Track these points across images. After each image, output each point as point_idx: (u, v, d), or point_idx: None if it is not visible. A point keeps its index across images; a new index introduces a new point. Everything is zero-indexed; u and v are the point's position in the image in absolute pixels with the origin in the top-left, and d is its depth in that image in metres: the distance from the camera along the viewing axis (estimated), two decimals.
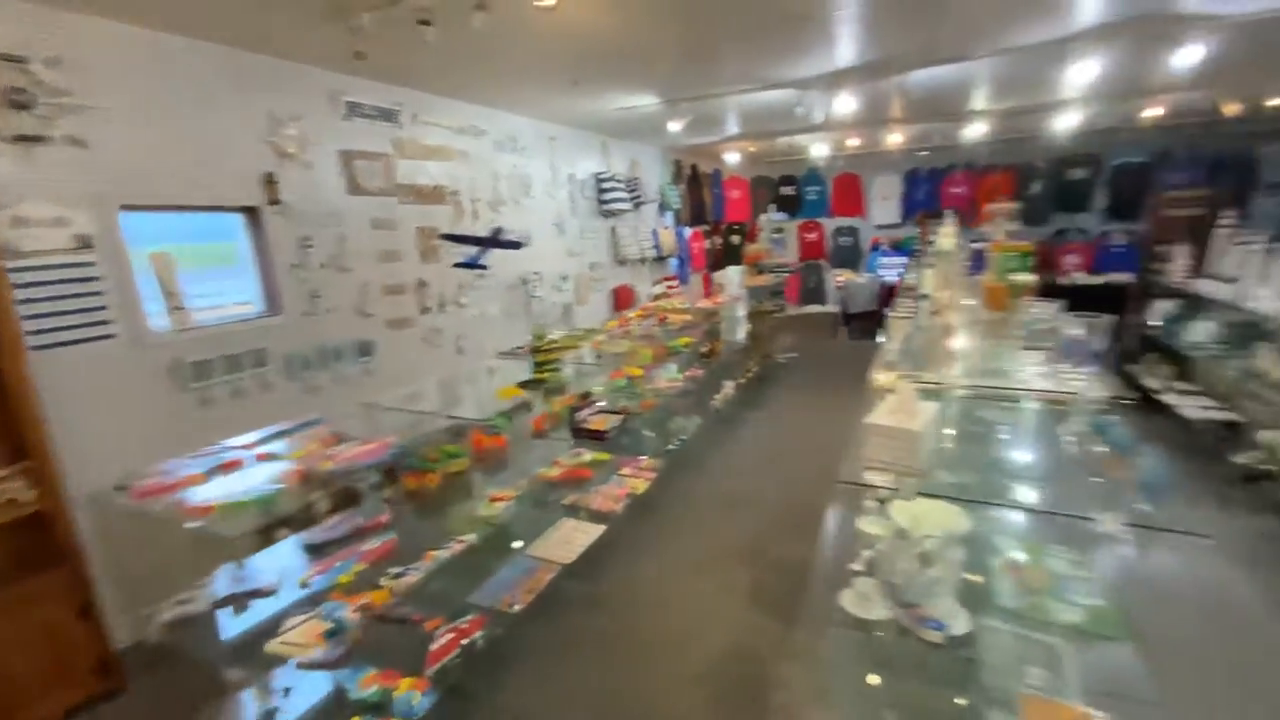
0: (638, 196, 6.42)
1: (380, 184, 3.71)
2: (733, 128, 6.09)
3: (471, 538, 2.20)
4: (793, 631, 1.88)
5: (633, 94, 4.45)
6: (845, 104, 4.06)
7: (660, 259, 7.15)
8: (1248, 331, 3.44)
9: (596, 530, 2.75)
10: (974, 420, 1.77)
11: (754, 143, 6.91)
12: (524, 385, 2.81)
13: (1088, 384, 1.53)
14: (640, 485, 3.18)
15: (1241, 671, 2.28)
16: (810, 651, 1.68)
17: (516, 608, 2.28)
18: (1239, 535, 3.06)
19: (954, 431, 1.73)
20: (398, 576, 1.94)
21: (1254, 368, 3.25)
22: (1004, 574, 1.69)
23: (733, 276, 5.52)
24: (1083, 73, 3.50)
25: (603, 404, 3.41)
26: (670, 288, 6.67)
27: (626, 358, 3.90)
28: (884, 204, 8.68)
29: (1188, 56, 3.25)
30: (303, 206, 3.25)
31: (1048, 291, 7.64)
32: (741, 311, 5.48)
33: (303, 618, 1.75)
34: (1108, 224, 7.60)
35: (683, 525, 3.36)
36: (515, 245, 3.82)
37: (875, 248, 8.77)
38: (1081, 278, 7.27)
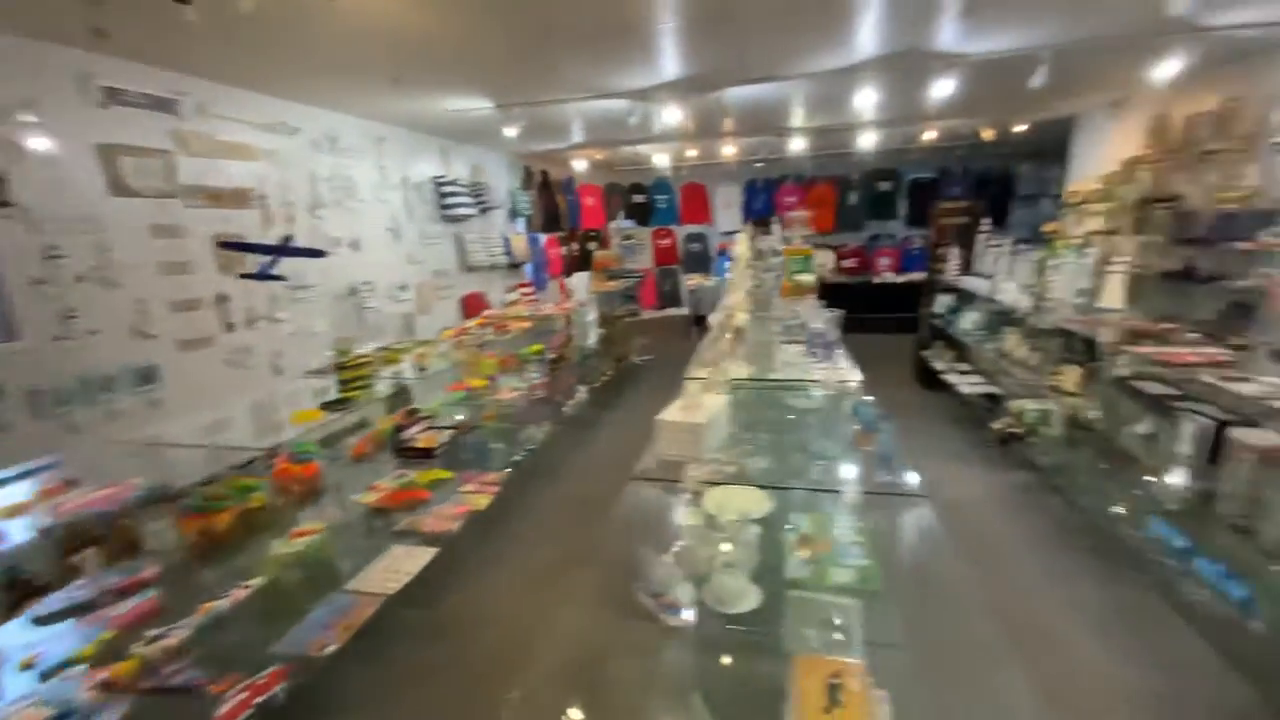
0: (483, 202, 6.23)
1: (158, 184, 3.22)
2: (576, 135, 6.13)
3: (259, 581, 1.97)
4: (623, 630, 1.93)
5: (463, 96, 4.30)
6: (673, 115, 4.26)
7: (514, 265, 7.01)
8: (1000, 318, 4.15)
9: (428, 554, 2.60)
10: (765, 409, 1.93)
11: (600, 150, 7.03)
12: (328, 407, 2.58)
13: (832, 370, 1.73)
14: (482, 500, 3.07)
15: (993, 603, 2.70)
16: (626, 647, 1.72)
17: (330, 649, 2.08)
18: (998, 488, 3.67)
19: (745, 420, 1.88)
20: (155, 640, 1.67)
21: (1004, 348, 3.92)
22: (795, 547, 1.86)
23: (579, 282, 5.55)
24: (866, 98, 3.99)
25: (455, 418, 3.24)
26: (526, 294, 6.57)
27: (467, 369, 3.75)
28: (727, 211, 9.28)
29: (943, 88, 3.84)
30: (46, 209, 2.72)
31: (866, 290, 8.59)
32: (591, 316, 5.54)
33: (16, 706, 1.43)
34: (909, 230, 8.80)
35: (530, 536, 3.30)
36: (315, 253, 3.50)
37: (722, 253, 9.34)
38: (891, 276, 8.34)
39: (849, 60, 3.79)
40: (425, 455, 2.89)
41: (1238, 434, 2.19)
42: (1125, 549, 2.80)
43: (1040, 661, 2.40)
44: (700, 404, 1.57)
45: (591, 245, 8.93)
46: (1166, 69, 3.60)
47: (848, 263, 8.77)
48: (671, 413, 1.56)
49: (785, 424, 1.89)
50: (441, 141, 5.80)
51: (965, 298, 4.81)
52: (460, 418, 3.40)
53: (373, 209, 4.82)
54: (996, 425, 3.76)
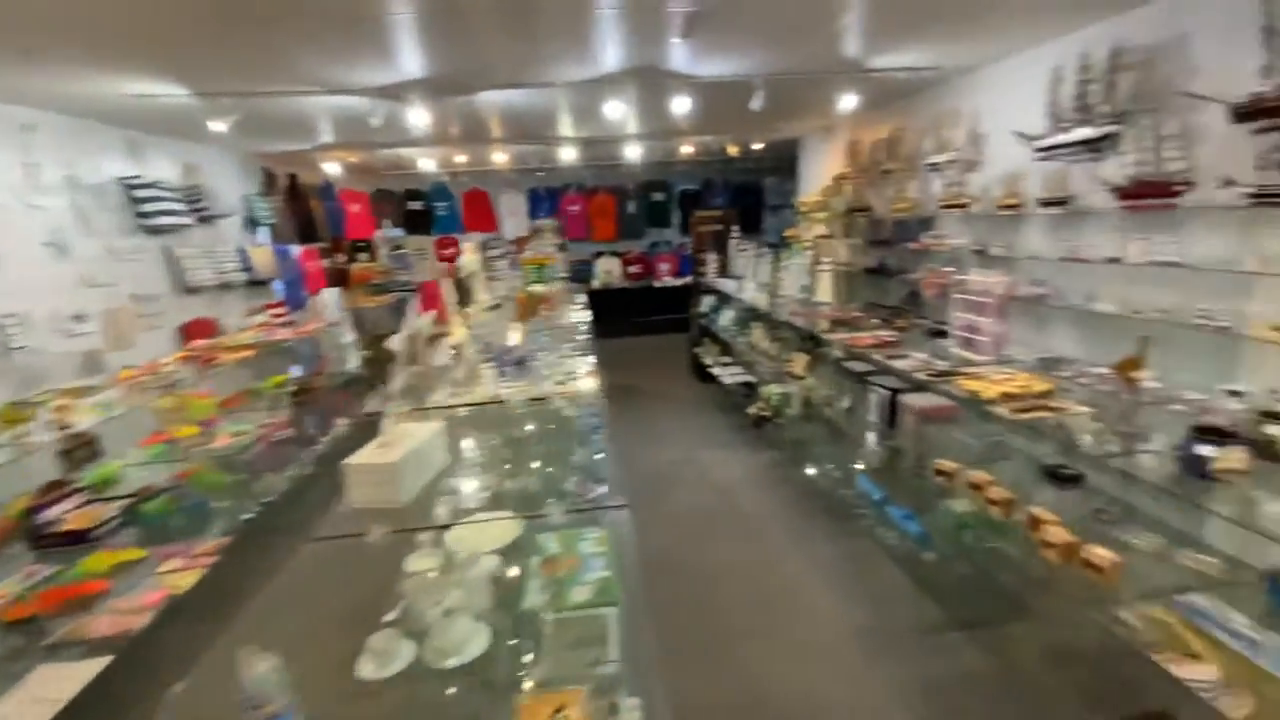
0: (203, 209, 5.19)
1: None
2: (324, 135, 5.45)
3: None
4: (356, 703, 1.66)
5: (144, 80, 3.48)
6: (421, 117, 3.95)
7: (258, 283, 5.97)
8: (749, 314, 4.63)
9: (93, 667, 1.99)
10: (501, 429, 1.82)
11: (355, 153, 6.35)
12: None
13: (524, 388, 1.68)
14: (187, 579, 2.47)
15: (748, 575, 2.96)
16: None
17: None
18: (756, 467, 4.08)
19: (476, 446, 1.74)
20: None
21: (753, 341, 4.38)
22: (539, 571, 1.78)
23: (329, 299, 4.90)
24: (618, 110, 4.15)
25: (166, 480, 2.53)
26: (275, 316, 5.63)
27: (171, 415, 3.03)
28: (513, 219, 9.10)
29: (682, 105, 4.15)
30: None
31: (649, 293, 9.04)
32: (348, 337, 4.93)
33: None
34: (684, 237, 9.54)
35: (260, 610, 2.75)
36: None
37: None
38: (671, 280, 8.94)
39: (596, 72, 3.89)
40: (78, 540, 2.21)
41: (905, 399, 2.67)
42: (846, 506, 3.28)
43: (787, 618, 2.68)
44: (399, 440, 1.38)
45: (362, 256, 8.07)
46: (848, 101, 4.35)
47: (633, 269, 9.19)
48: (362, 454, 1.35)
49: (516, 444, 1.79)
50: (130, 134, 4.67)
51: (724, 298, 5.30)
52: (169, 479, 2.71)
53: (15, 217, 3.67)
54: (751, 410, 4.18)
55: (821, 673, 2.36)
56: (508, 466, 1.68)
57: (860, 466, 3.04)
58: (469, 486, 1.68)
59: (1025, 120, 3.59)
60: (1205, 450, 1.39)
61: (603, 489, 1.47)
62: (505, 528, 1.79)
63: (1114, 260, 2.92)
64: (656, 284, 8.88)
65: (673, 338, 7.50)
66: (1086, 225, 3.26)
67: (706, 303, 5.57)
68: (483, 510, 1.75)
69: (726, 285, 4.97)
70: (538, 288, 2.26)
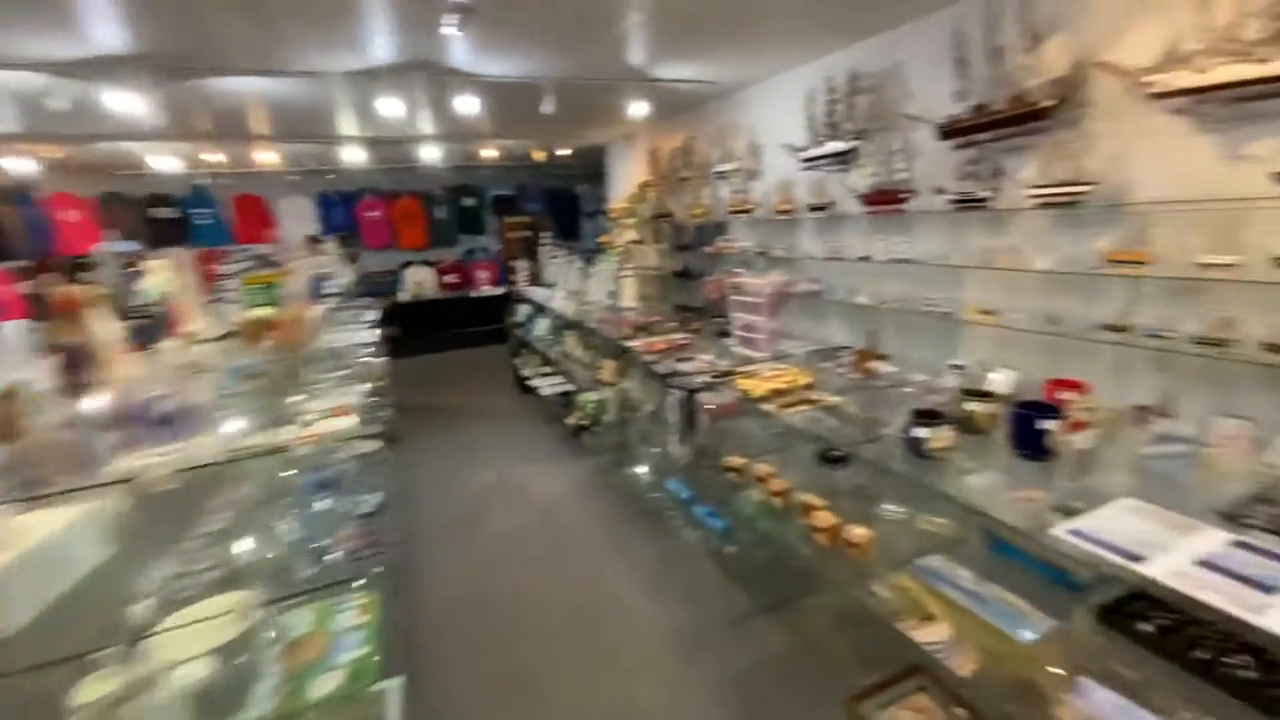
0: None
1: None
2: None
3: None
4: None
5: None
6: (130, 103, 3.17)
7: None
8: (562, 323, 4.52)
9: None
10: (204, 497, 1.45)
11: (54, 146, 5.02)
12: None
13: (170, 455, 1.34)
14: None
15: (569, 594, 2.82)
16: None
17: None
18: (578, 478, 3.98)
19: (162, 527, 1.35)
20: None
21: (566, 349, 4.28)
22: (279, 662, 1.45)
23: (11, 333, 3.76)
24: (393, 107, 3.75)
25: None
26: None
27: None
28: (298, 228, 7.95)
29: (468, 105, 3.88)
30: None
31: (467, 304, 8.54)
32: (45, 384, 3.82)
33: None
34: (500, 244, 9.18)
35: None
36: None
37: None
38: (490, 289, 8.54)
39: (365, 63, 3.47)
40: None
41: (700, 398, 2.74)
42: (661, 508, 3.31)
43: (605, 632, 2.59)
44: (16, 534, 0.99)
45: (89, 276, 6.45)
46: (639, 109, 4.43)
47: (449, 278, 8.61)
48: None
49: (238, 511, 1.43)
50: None
51: (539, 306, 5.14)
52: None
53: None
54: (569, 420, 4.07)
55: (641, 683, 2.30)
56: (223, 542, 1.33)
57: (669, 467, 3.07)
58: (158, 579, 1.29)
59: (792, 134, 3.95)
60: (921, 432, 1.56)
61: (338, 555, 1.21)
62: (236, 619, 1.42)
63: (865, 258, 3.31)
64: (474, 294, 8.42)
65: (494, 349, 7.14)
66: (844, 228, 3.67)
67: (522, 312, 5.36)
68: (179, 608, 1.36)
69: (536, 294, 4.81)
70: (261, 311, 1.85)
